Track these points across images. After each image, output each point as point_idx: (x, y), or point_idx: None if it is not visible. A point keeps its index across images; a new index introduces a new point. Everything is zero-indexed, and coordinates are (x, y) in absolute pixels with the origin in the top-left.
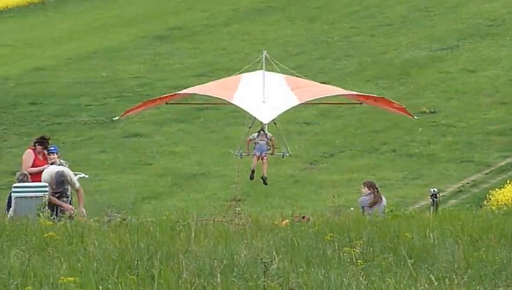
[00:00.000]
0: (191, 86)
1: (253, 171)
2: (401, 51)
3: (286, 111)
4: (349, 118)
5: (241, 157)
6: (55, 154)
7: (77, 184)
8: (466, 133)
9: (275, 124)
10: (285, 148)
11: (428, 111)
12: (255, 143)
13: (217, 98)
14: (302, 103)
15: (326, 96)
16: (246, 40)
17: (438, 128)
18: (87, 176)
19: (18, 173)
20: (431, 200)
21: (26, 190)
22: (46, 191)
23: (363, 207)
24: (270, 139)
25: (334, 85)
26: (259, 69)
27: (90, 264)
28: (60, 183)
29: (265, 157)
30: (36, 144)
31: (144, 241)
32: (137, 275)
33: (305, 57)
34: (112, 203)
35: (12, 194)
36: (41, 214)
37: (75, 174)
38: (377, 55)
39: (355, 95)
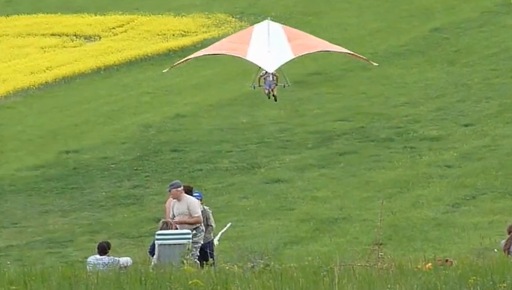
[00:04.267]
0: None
1: (268, 93)
2: None
3: (286, 63)
4: (490, 160)
5: (254, 88)
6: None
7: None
8: None
9: None
10: (285, 80)
11: None
12: (264, 79)
13: (232, 55)
14: (296, 57)
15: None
16: (385, 84)
17: None
18: (230, 223)
19: (161, 221)
20: None
21: (169, 237)
22: (189, 239)
23: (504, 250)
24: (275, 75)
25: (476, 128)
26: None
27: None
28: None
29: (274, 89)
30: None
31: (287, 287)
32: None
33: (445, 99)
34: (254, 249)
35: (156, 241)
36: (185, 261)
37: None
38: None
39: (344, 52)
